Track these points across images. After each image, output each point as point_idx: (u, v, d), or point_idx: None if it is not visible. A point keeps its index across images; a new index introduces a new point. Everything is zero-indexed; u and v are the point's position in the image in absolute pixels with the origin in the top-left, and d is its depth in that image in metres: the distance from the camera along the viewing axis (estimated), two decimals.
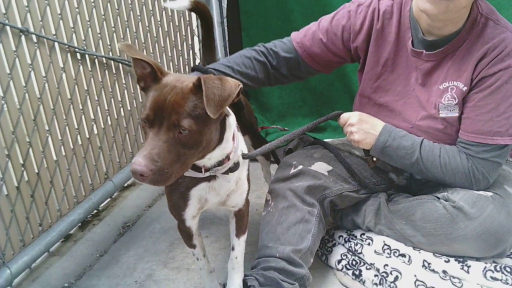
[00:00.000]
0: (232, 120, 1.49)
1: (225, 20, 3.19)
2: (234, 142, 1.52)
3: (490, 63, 1.68)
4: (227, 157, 1.51)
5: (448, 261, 1.77)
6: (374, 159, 1.90)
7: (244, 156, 1.63)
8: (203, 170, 1.51)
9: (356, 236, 1.98)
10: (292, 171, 1.91)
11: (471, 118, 1.74)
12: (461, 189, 1.78)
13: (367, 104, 1.99)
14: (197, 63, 3.16)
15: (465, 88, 1.74)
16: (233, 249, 1.76)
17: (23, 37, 1.94)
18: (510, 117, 1.70)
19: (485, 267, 1.73)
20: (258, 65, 1.94)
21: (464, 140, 1.77)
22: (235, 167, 1.56)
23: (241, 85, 1.33)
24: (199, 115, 1.31)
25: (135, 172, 1.25)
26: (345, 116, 1.89)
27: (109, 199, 2.59)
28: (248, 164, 1.71)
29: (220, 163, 1.50)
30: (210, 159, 1.47)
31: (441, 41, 1.77)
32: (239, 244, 1.76)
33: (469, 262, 1.75)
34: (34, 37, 2.00)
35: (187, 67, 3.14)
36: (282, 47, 1.98)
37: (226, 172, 1.54)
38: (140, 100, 2.72)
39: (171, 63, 2.98)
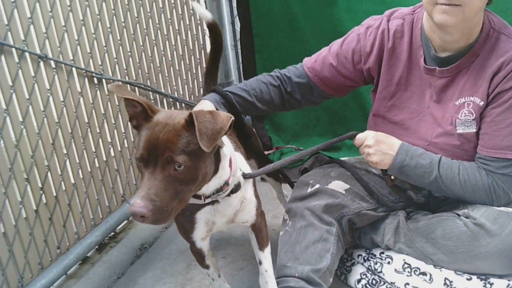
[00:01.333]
0: (226, 151, 1.50)
1: (238, 43, 3.22)
2: (232, 168, 1.53)
3: (506, 77, 1.68)
4: (226, 183, 1.52)
5: (470, 278, 1.74)
6: (392, 177, 1.89)
7: (245, 176, 1.64)
8: (203, 197, 1.52)
9: (375, 255, 1.95)
10: (309, 190, 1.90)
11: (489, 134, 1.73)
12: (482, 205, 1.76)
13: (381, 123, 1.99)
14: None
15: (482, 103, 1.74)
16: (260, 263, 1.76)
17: (41, 63, 1.98)
18: None
19: (508, 284, 1.69)
20: (273, 90, 1.97)
21: (483, 155, 1.75)
22: (236, 188, 1.58)
23: (233, 118, 1.35)
24: (193, 150, 1.32)
25: (135, 214, 1.26)
26: (360, 137, 1.88)
27: (126, 221, 2.59)
28: (253, 182, 1.72)
29: (219, 190, 1.52)
30: (208, 188, 1.49)
31: (454, 57, 1.77)
32: (266, 257, 1.76)
33: (492, 280, 1.72)
34: (52, 62, 2.04)
35: (201, 89, 3.17)
36: (294, 73, 2.01)
37: (228, 195, 1.55)
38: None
39: (186, 86, 3.01)
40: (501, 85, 1.69)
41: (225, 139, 1.51)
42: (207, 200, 1.53)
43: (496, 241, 1.66)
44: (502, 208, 1.73)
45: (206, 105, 1.81)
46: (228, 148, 1.53)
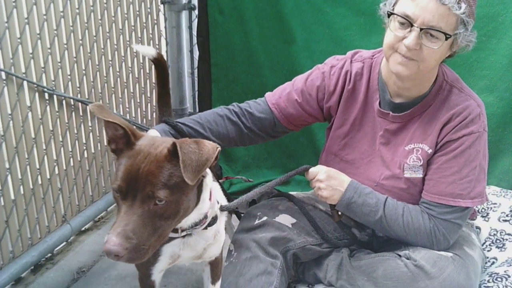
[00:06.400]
0: (208, 180, 1.42)
1: (195, 71, 3.24)
2: (211, 199, 1.47)
3: (454, 128, 1.77)
4: (205, 217, 1.46)
5: None
6: (339, 213, 1.92)
7: (223, 208, 1.60)
8: (179, 230, 1.44)
9: None
10: (257, 222, 1.91)
11: (434, 180, 1.80)
12: (422, 248, 1.81)
13: (333, 160, 2.03)
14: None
15: (430, 151, 1.81)
16: None
17: None
18: (472, 180, 1.76)
19: None
20: (230, 124, 1.93)
21: (427, 200, 1.82)
22: (213, 221, 1.52)
23: (219, 148, 1.29)
24: (176, 183, 1.24)
25: (109, 252, 1.17)
26: (313, 171, 1.91)
27: (64, 243, 2.50)
28: (225, 214, 1.69)
29: (198, 223, 1.45)
30: (187, 221, 1.41)
31: (408, 104, 1.85)
32: None
33: None
34: (3, 74, 1.98)
35: (154, 114, 3.15)
36: (257, 108, 1.99)
37: (205, 228, 1.50)
38: (105, 143, 2.69)
39: (139, 109, 2.99)
40: (449, 135, 1.77)
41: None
42: (183, 234, 1.45)
43: (435, 283, 1.70)
44: (442, 252, 1.78)
45: (152, 134, 1.72)
46: (210, 178, 1.45)
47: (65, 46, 2.32)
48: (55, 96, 2.29)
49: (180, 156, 1.20)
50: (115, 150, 1.32)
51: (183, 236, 1.48)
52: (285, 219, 1.93)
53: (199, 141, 1.26)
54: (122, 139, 1.30)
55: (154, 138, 1.33)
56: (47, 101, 2.25)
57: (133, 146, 1.28)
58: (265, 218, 1.92)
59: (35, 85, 2.16)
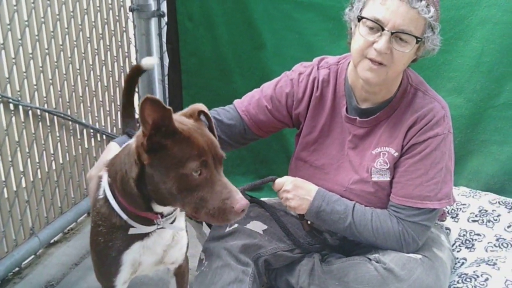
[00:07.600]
0: None
1: (166, 78, 3.22)
2: None
3: (420, 131, 1.78)
4: None
5: None
6: (309, 222, 1.92)
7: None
8: (160, 217, 1.44)
9: None
10: (228, 229, 1.89)
11: (402, 183, 1.81)
12: (392, 251, 1.82)
13: (302, 167, 2.03)
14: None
15: (396, 154, 1.82)
16: None
17: None
18: (439, 182, 1.78)
19: None
20: None
21: (395, 203, 1.83)
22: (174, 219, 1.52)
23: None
24: None
25: (244, 207, 1.32)
26: (279, 182, 1.90)
27: (33, 256, 2.44)
28: (184, 215, 1.66)
29: (172, 211, 1.47)
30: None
31: (374, 109, 1.86)
32: None
33: None
34: None
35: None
36: (226, 115, 1.98)
37: (172, 222, 1.49)
38: (74, 153, 2.65)
39: (108, 118, 2.95)
40: (415, 138, 1.79)
41: None
42: (159, 226, 1.45)
43: (404, 286, 1.71)
44: (411, 255, 1.79)
45: (112, 148, 1.65)
46: None
47: (31, 55, 2.28)
48: (20, 107, 2.24)
49: (211, 117, 1.48)
50: (151, 143, 1.29)
51: (142, 239, 1.48)
52: (256, 226, 1.92)
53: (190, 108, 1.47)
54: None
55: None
56: (13, 112, 2.21)
57: (176, 127, 1.30)
58: (236, 225, 1.90)
59: (0, 96, 2.12)
